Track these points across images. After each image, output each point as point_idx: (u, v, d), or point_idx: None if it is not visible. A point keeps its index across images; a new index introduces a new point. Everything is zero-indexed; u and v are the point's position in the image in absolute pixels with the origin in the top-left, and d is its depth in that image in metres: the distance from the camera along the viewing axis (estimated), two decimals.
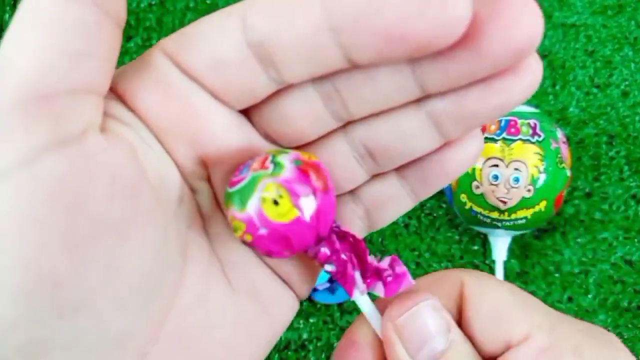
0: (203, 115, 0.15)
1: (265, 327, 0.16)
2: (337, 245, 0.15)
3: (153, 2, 0.46)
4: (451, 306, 0.16)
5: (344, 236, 0.15)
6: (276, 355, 0.40)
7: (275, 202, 0.14)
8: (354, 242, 0.15)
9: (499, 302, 0.16)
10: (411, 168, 0.17)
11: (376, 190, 0.17)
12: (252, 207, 0.14)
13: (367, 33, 0.13)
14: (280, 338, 0.41)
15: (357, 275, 0.15)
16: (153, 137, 0.15)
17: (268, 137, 0.16)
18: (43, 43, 0.12)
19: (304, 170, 0.14)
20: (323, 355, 0.40)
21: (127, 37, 0.46)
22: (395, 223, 0.42)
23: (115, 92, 0.15)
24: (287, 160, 0.14)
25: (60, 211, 0.12)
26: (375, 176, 0.17)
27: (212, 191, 0.16)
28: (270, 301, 0.16)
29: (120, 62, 0.45)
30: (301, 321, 0.41)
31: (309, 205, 0.14)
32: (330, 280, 0.40)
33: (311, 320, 0.41)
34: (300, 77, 0.14)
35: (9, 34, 0.12)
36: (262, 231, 0.14)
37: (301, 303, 0.21)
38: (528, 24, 0.13)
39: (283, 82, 0.14)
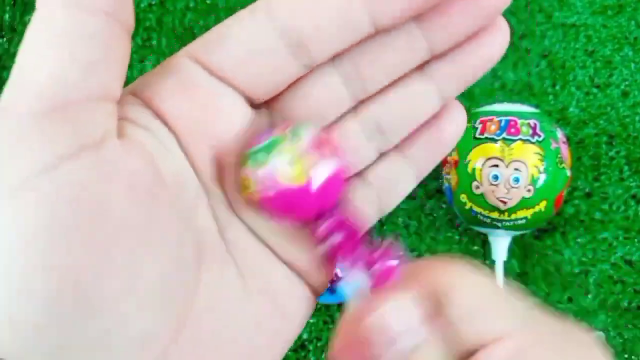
0: (225, 116, 0.15)
1: (282, 327, 0.16)
2: (335, 226, 0.15)
3: (153, 2, 0.46)
4: (430, 298, 0.16)
5: (342, 223, 0.16)
6: None
7: (288, 166, 0.14)
8: (351, 230, 0.15)
9: (477, 299, 0.15)
10: (413, 144, 0.18)
11: (383, 171, 0.18)
12: (265, 167, 0.14)
13: None
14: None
15: (345, 264, 0.15)
16: (174, 141, 0.15)
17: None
18: (57, 54, 0.12)
19: (320, 144, 0.15)
20: (323, 355, 0.40)
21: None
22: (395, 223, 0.42)
23: (141, 97, 0.15)
24: (306, 131, 0.15)
25: (82, 216, 0.12)
26: (381, 156, 0.18)
27: (225, 194, 0.16)
28: (286, 300, 0.16)
29: None
30: None
31: (318, 176, 0.15)
32: (331, 280, 0.40)
33: (311, 320, 0.41)
34: (329, 55, 0.15)
35: (23, 46, 0.13)
36: (270, 192, 0.14)
37: None
38: None
39: (312, 65, 0.15)
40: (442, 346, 0.15)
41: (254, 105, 0.16)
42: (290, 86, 0.16)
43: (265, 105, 0.17)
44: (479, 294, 0.15)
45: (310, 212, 0.15)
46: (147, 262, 0.13)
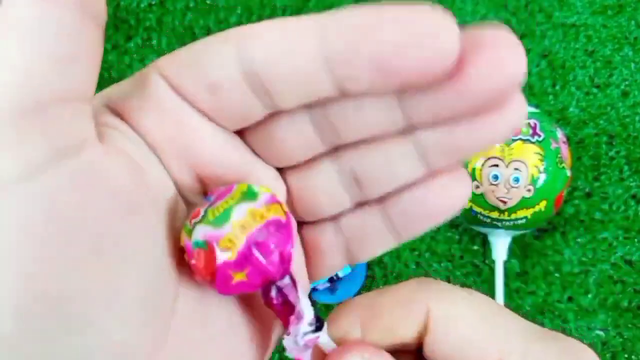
0: (198, 134, 0.15)
1: (264, 336, 0.16)
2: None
3: (153, 2, 0.46)
4: (413, 332, 0.16)
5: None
6: (276, 355, 0.40)
7: (225, 249, 0.14)
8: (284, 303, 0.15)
9: (466, 331, 0.15)
10: (394, 204, 0.16)
11: (358, 222, 0.17)
12: (203, 242, 0.14)
13: (361, 65, 0.13)
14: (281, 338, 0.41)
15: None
16: (151, 153, 0.15)
17: (260, 157, 0.16)
18: (26, 50, 0.11)
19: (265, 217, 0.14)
20: None
21: (127, 37, 0.46)
22: None
23: (113, 111, 0.15)
24: (242, 206, 0.14)
25: (62, 226, 0.12)
26: (358, 206, 0.17)
27: None
28: (265, 310, 0.16)
29: (121, 62, 0.46)
30: None
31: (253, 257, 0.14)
32: (331, 280, 0.40)
33: None
34: (292, 105, 0.14)
35: None
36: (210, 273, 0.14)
37: None
38: (511, 64, 0.13)
39: (276, 108, 0.15)
40: None
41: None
42: (260, 123, 0.15)
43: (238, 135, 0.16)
44: (470, 325, 0.15)
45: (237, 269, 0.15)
46: (129, 274, 0.13)
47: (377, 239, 0.17)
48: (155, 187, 0.14)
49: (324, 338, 0.15)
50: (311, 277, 0.18)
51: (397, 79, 0.13)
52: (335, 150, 0.16)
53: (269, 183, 0.16)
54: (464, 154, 0.15)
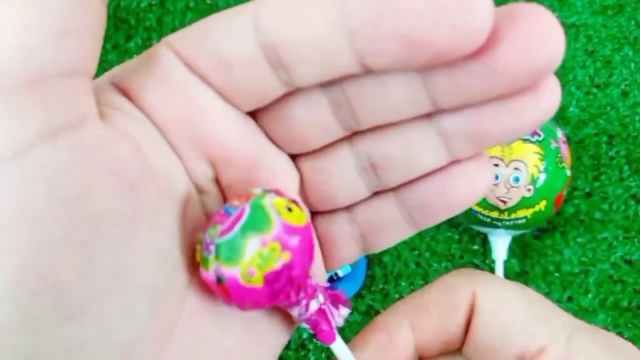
0: (209, 114, 0.14)
1: (278, 335, 0.16)
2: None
3: (153, 2, 0.46)
4: (461, 320, 0.16)
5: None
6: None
7: (247, 273, 0.14)
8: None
9: (513, 315, 0.15)
10: (412, 193, 0.16)
11: (374, 212, 0.16)
12: (225, 271, 0.14)
13: (385, 37, 0.12)
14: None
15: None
16: (159, 135, 0.14)
17: (273, 141, 0.15)
18: (24, 22, 0.11)
19: (287, 230, 0.14)
20: (323, 355, 0.40)
21: (127, 37, 0.46)
22: None
23: (119, 88, 0.14)
24: (268, 221, 0.14)
25: (61, 205, 0.11)
26: (374, 195, 0.16)
27: (220, 192, 0.15)
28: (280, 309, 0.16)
29: (121, 62, 0.45)
30: None
31: (279, 277, 0.14)
32: (330, 280, 0.40)
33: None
34: (311, 81, 0.14)
35: None
36: (229, 291, 0.14)
37: None
38: (549, 42, 0.12)
39: (293, 86, 0.14)
40: None
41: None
42: (277, 102, 0.14)
43: (251, 117, 0.15)
44: (516, 309, 0.15)
45: (266, 303, 0.14)
46: (132, 259, 0.12)
47: (393, 228, 0.16)
48: (160, 172, 0.14)
49: (339, 347, 0.15)
50: (327, 266, 0.17)
51: (424, 53, 0.12)
52: (353, 135, 0.15)
53: (282, 170, 0.15)
54: (491, 142, 0.14)
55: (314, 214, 0.17)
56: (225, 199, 0.15)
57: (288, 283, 0.14)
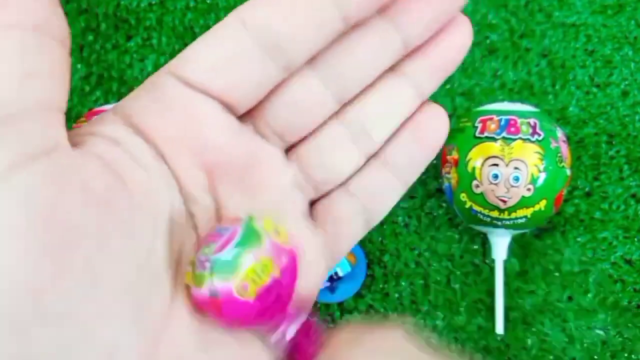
0: (204, 124, 0.15)
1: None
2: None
3: (153, 2, 0.46)
4: None
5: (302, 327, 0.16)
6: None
7: (240, 286, 0.14)
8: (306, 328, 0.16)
9: None
10: (395, 148, 0.18)
11: (367, 180, 0.18)
12: (218, 287, 0.14)
13: None
14: None
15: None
16: (151, 155, 0.15)
17: (275, 133, 0.17)
18: None
19: (276, 250, 0.15)
20: None
21: (127, 36, 0.46)
22: (395, 222, 0.42)
23: (121, 115, 0.15)
24: (257, 243, 0.14)
25: (35, 220, 0.12)
26: (364, 166, 0.18)
27: (214, 203, 0.16)
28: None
29: (121, 62, 0.46)
30: None
31: (271, 293, 0.15)
32: (331, 280, 0.40)
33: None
34: (307, 55, 0.16)
35: None
36: (217, 307, 0.14)
37: None
38: None
39: (290, 67, 0.15)
40: None
41: (239, 115, 0.16)
42: (272, 94, 0.16)
43: (249, 117, 0.17)
44: None
45: (254, 321, 0.15)
46: (107, 267, 0.13)
47: (387, 190, 0.18)
48: (138, 188, 0.14)
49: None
50: (339, 250, 0.18)
51: None
52: (340, 110, 0.17)
53: (277, 167, 0.17)
54: (446, 72, 0.18)
55: (313, 202, 0.18)
56: (220, 207, 0.16)
57: (277, 300, 0.14)
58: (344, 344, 0.16)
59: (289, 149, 0.18)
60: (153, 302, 0.14)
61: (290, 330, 0.15)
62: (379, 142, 0.18)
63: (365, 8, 0.15)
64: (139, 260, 0.14)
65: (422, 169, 0.19)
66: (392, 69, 0.17)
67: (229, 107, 0.16)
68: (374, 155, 0.18)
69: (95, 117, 0.16)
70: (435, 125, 0.18)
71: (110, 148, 0.15)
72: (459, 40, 0.17)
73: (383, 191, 0.18)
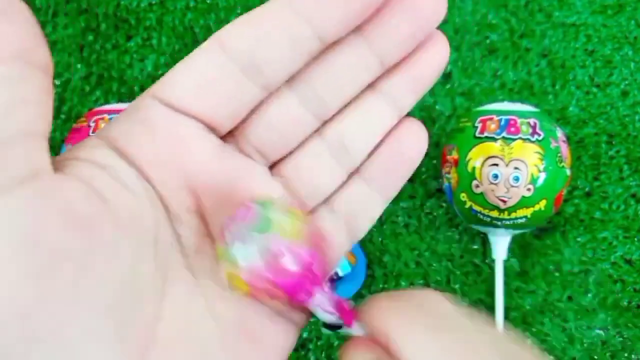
0: (189, 145, 0.16)
1: (259, 358, 0.16)
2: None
3: (153, 2, 0.46)
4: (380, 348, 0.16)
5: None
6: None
7: (279, 260, 0.15)
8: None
9: (430, 346, 0.15)
10: (374, 164, 0.18)
11: (349, 196, 0.18)
12: (254, 264, 0.15)
13: (330, 4, 0.15)
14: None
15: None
16: (136, 177, 0.15)
17: (258, 151, 0.17)
18: None
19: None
20: (323, 354, 0.40)
21: (127, 36, 0.46)
22: (395, 222, 0.42)
23: (106, 139, 0.16)
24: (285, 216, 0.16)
25: (17, 244, 0.12)
26: (346, 182, 0.18)
27: (200, 222, 0.16)
28: (262, 332, 0.16)
29: (121, 62, 0.46)
30: None
31: (306, 261, 0.16)
32: (330, 280, 0.40)
33: (311, 319, 0.41)
34: (285, 75, 0.16)
35: None
36: (262, 285, 0.15)
37: None
38: None
39: (269, 87, 0.16)
40: None
41: (221, 136, 0.17)
42: (253, 113, 0.17)
43: (232, 137, 0.17)
44: (432, 339, 0.15)
45: (299, 292, 0.16)
46: (90, 289, 0.13)
47: (368, 204, 0.19)
48: (122, 210, 0.15)
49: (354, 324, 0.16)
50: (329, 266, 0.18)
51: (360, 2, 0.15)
52: (320, 128, 0.18)
53: (262, 184, 0.17)
54: (423, 88, 0.18)
55: None
56: (206, 226, 0.17)
57: (319, 250, 0.16)
58: (387, 304, 0.16)
59: (272, 167, 0.18)
60: (137, 322, 0.14)
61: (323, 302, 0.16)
62: (360, 159, 0.18)
63: (341, 27, 0.16)
64: (123, 280, 0.14)
65: (402, 183, 0.19)
66: (370, 86, 0.18)
67: (211, 128, 0.16)
68: (355, 172, 0.19)
69: (79, 143, 0.16)
70: (414, 140, 0.19)
71: (94, 172, 0.15)
72: (437, 56, 0.18)
73: (365, 206, 0.19)
